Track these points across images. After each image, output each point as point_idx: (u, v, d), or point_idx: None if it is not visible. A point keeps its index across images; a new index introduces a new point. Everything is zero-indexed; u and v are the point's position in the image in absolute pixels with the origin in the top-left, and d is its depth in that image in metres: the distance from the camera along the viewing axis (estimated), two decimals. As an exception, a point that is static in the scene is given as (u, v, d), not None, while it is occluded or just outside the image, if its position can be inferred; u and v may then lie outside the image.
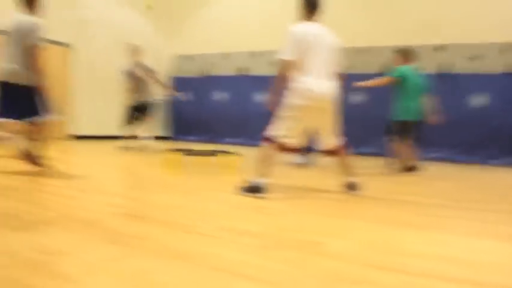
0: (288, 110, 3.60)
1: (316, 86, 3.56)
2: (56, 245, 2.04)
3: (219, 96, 12.06)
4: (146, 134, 7.67)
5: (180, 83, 12.70)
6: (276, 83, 3.62)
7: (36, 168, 4.31)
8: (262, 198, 3.55)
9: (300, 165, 6.31)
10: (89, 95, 10.35)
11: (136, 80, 7.52)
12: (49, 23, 4.55)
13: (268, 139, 3.67)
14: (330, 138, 3.89)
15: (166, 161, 5.46)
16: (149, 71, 7.60)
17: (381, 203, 3.71)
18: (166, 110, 12.67)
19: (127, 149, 7.55)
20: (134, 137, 7.70)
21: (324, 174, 5.60)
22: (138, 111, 7.55)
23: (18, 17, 4.31)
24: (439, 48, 9.32)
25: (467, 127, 8.93)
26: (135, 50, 7.61)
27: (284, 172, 5.66)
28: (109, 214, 2.77)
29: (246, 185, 3.69)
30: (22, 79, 4.19)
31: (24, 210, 2.76)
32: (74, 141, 9.34)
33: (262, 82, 11.10)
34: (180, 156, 5.11)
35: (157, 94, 7.70)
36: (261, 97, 11.09)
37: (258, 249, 2.16)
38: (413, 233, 2.69)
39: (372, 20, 9.95)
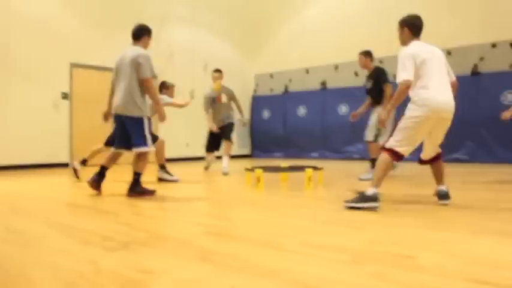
0: (410, 122, 3.67)
1: (438, 98, 3.65)
2: (149, 264, 2.12)
3: (302, 111, 12.05)
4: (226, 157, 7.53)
5: (261, 101, 12.89)
6: (394, 102, 3.77)
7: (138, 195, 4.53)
8: (375, 208, 3.56)
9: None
10: (173, 119, 10.81)
11: (220, 105, 7.52)
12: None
13: (388, 150, 3.74)
14: (436, 148, 3.94)
15: (248, 179, 5.52)
16: (232, 95, 7.62)
17: (476, 212, 3.47)
18: (245, 129, 12.87)
19: (208, 168, 7.79)
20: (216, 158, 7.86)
21: (407, 185, 5.36)
22: (222, 135, 7.52)
23: (128, 50, 4.64)
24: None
25: None
26: (218, 76, 7.58)
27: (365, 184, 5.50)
28: (198, 233, 2.84)
29: (357, 195, 3.73)
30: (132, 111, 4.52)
31: (118, 231, 2.90)
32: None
33: (345, 94, 10.96)
34: (261, 173, 5.13)
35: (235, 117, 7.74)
36: (345, 109, 10.93)
37: (346, 264, 2.09)
38: (518, 243, 2.47)
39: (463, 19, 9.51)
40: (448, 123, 3.75)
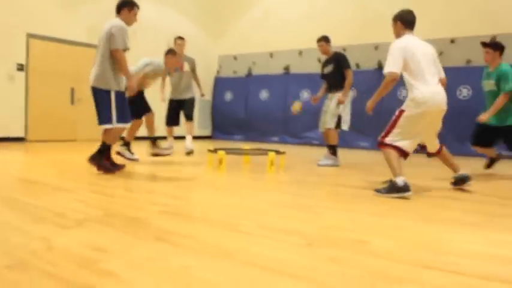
0: (407, 118, 3.77)
1: (433, 94, 3.77)
2: (103, 242, 2.09)
3: (264, 95, 12.06)
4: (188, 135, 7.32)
5: (224, 83, 12.82)
6: (380, 93, 3.91)
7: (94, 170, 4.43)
8: (408, 196, 3.59)
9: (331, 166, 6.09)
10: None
11: (181, 74, 7.20)
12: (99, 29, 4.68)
13: (386, 145, 3.84)
14: (435, 140, 4.12)
15: (210, 160, 5.51)
16: (193, 66, 7.35)
17: (428, 201, 3.59)
18: (206, 110, 12.80)
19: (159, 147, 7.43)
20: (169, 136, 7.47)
21: (366, 172, 5.49)
22: (183, 111, 7.28)
23: (107, 22, 4.52)
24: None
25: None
26: (182, 43, 7.31)
27: (324, 170, 5.60)
28: (155, 212, 2.82)
29: (386, 186, 3.78)
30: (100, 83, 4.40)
31: (73, 208, 2.85)
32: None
33: (307, 80, 11.03)
34: (223, 155, 5.13)
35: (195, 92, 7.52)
36: (307, 95, 11.01)
37: (302, 248, 2.13)
38: (468, 232, 2.58)
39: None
40: (443, 113, 3.91)
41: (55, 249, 1.95)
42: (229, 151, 5.59)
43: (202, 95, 7.65)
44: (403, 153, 3.85)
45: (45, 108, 9.01)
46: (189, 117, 7.19)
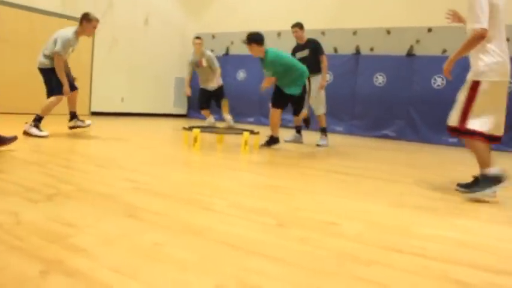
0: (483, 92, 3.08)
1: (508, 60, 3.11)
2: (73, 218, 2.07)
3: (241, 75, 11.99)
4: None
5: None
6: (462, 51, 3.15)
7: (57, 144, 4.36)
8: (506, 187, 3.11)
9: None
10: (109, 72, 10.42)
11: (202, 68, 7.91)
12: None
13: (469, 132, 3.15)
14: (503, 123, 3.23)
15: (186, 138, 5.48)
16: (209, 61, 7.95)
17: (398, 186, 3.67)
18: (181, 88, 12.68)
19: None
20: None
21: (338, 156, 5.55)
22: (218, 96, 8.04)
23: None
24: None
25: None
26: (199, 42, 7.89)
27: (299, 152, 5.64)
28: (126, 189, 2.80)
29: (482, 179, 3.16)
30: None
31: (42, 182, 2.80)
32: (92, 118, 9.45)
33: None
34: (198, 133, 5.11)
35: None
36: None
37: (272, 227, 2.15)
38: (432, 217, 2.65)
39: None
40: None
41: (23, 224, 1.92)
42: (204, 129, 5.57)
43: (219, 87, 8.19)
44: (492, 139, 3.17)
45: (14, 80, 8.74)
46: (219, 105, 8.06)
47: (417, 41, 9.40)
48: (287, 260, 1.71)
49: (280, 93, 5.73)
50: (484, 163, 3.17)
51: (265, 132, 6.66)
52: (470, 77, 3.17)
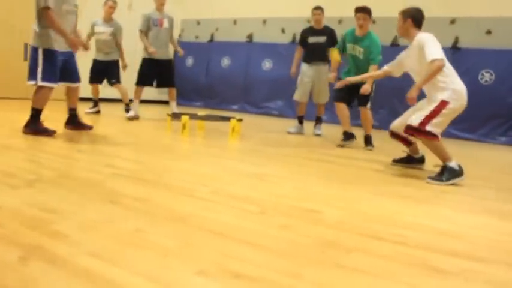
0: (451, 110, 3.55)
1: (464, 90, 3.62)
2: (54, 204, 2.05)
3: (226, 62, 11.93)
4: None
5: (185, 47, 12.57)
6: (425, 81, 3.60)
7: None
8: (463, 180, 3.44)
9: (295, 133, 6.42)
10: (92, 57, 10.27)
11: (160, 30, 6.84)
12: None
13: (427, 133, 3.55)
14: None
15: (169, 125, 5.45)
16: (172, 23, 7.20)
17: (381, 175, 3.70)
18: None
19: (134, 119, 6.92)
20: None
21: (324, 145, 5.58)
22: (162, 74, 6.96)
23: None
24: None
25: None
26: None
27: (282, 141, 5.65)
28: (109, 175, 2.78)
29: (444, 173, 3.50)
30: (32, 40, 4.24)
31: (23, 168, 2.77)
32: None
33: (270, 50, 10.97)
34: (187, 120, 5.08)
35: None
36: (269, 65, 10.96)
37: (254, 215, 2.16)
38: (413, 206, 2.69)
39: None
40: None
41: (3, 209, 1.90)
42: (192, 117, 5.54)
43: (180, 54, 7.48)
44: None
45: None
46: (171, 83, 7.22)
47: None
48: (269, 246, 1.73)
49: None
50: (444, 158, 3.54)
51: (249, 120, 6.67)
52: (439, 96, 3.58)
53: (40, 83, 4.21)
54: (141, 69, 6.80)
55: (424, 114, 3.59)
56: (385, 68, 4.32)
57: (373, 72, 4.60)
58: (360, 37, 5.40)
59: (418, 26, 3.89)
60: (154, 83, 7.02)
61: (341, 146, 5.31)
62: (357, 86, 5.08)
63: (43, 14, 4.14)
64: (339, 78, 5.54)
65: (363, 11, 5.46)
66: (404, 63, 4.06)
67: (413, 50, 3.81)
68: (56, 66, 4.31)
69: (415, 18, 3.89)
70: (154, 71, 6.79)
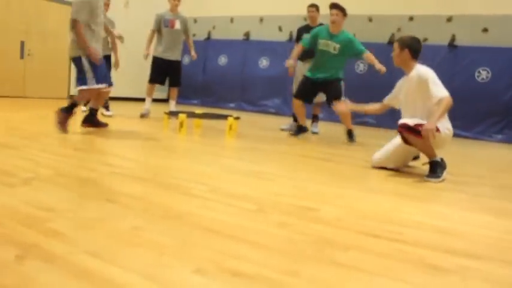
0: (438, 137, 3.57)
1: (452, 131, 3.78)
2: (51, 202, 2.04)
3: (223, 60, 11.92)
4: None
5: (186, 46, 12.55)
6: (439, 117, 3.53)
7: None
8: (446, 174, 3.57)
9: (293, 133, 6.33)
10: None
11: (172, 31, 6.91)
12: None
13: (416, 132, 3.58)
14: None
15: (166, 123, 5.44)
16: (186, 26, 7.21)
17: (377, 173, 3.71)
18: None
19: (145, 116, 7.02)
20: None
21: (322, 144, 5.59)
22: (171, 75, 7.07)
23: None
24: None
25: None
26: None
27: (279, 139, 5.65)
28: (106, 174, 2.77)
29: (436, 169, 3.57)
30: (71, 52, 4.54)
31: (20, 166, 2.76)
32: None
33: (267, 48, 10.96)
34: (184, 118, 5.08)
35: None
36: (266, 63, 10.95)
37: (251, 213, 2.16)
38: (410, 204, 2.69)
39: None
40: None
41: (0, 208, 1.89)
42: (189, 115, 5.53)
43: (193, 57, 7.53)
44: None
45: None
46: (177, 83, 7.24)
47: (398, 29, 9.44)
48: (266, 244, 1.73)
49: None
50: (432, 154, 3.62)
51: (246, 118, 6.67)
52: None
53: (95, 86, 4.49)
54: (152, 67, 6.95)
55: (420, 122, 3.59)
56: (384, 101, 4.34)
57: (373, 105, 4.58)
58: (335, 34, 5.61)
59: (415, 57, 3.86)
60: (166, 82, 7.16)
61: (294, 135, 5.87)
62: (325, 83, 5.56)
63: (72, 25, 4.45)
64: (306, 77, 5.76)
65: (337, 7, 5.61)
66: (399, 96, 4.07)
67: (411, 82, 3.81)
68: (105, 69, 4.72)
69: (412, 49, 3.85)
70: (165, 70, 6.92)
